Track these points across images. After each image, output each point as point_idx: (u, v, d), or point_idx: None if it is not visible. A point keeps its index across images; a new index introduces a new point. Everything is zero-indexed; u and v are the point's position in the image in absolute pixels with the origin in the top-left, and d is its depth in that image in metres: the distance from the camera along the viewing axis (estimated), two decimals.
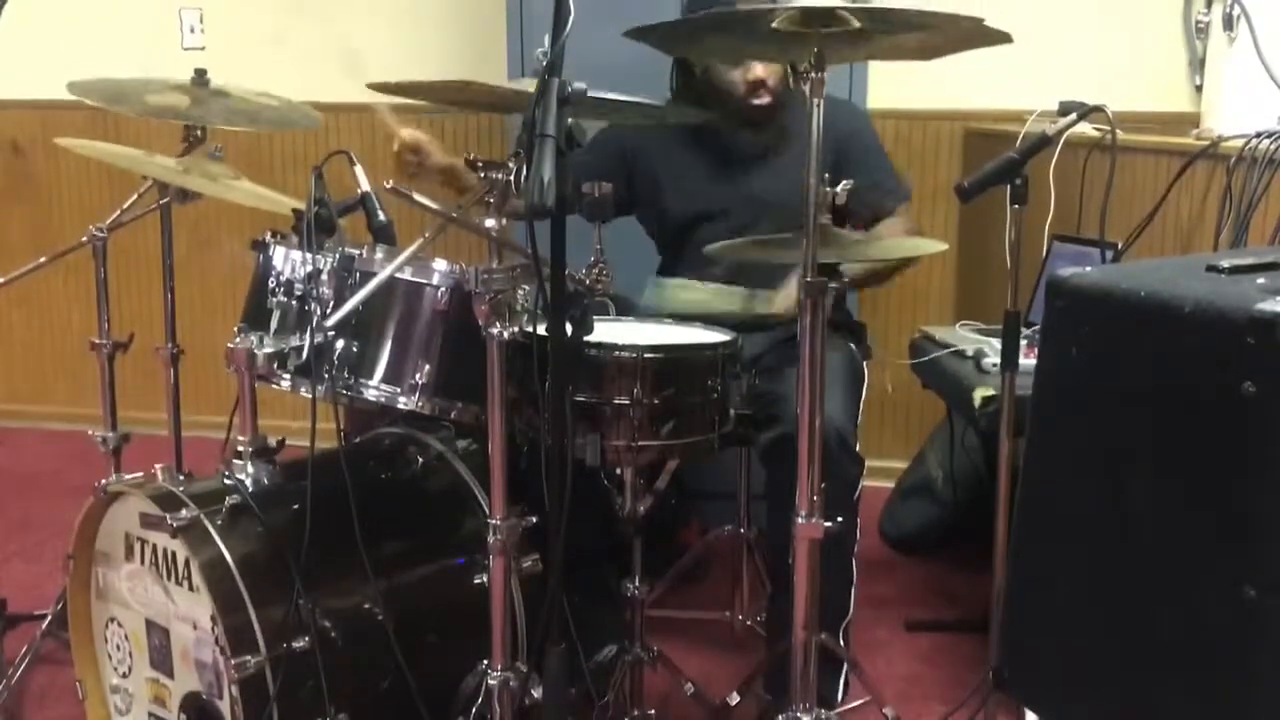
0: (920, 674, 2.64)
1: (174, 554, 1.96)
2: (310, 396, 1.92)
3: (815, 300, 1.76)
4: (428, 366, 2.01)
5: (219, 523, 1.92)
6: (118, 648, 2.14)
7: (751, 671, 2.35)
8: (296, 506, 2.00)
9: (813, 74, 1.71)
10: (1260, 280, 1.38)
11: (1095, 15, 3.51)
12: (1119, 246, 2.41)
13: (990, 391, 2.34)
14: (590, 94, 1.59)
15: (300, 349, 1.95)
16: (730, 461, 2.62)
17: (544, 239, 1.59)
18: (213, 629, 1.89)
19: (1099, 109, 2.20)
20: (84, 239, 2.47)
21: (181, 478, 2.02)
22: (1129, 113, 2.33)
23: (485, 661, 1.89)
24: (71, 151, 2.83)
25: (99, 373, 2.55)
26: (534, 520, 1.86)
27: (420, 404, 2.01)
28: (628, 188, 2.58)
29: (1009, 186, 2.08)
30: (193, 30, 4.01)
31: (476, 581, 1.97)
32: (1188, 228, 2.39)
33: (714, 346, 2.05)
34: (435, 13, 3.90)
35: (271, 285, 2.08)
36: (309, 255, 1.99)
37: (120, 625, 2.12)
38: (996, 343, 2.24)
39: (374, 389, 2.01)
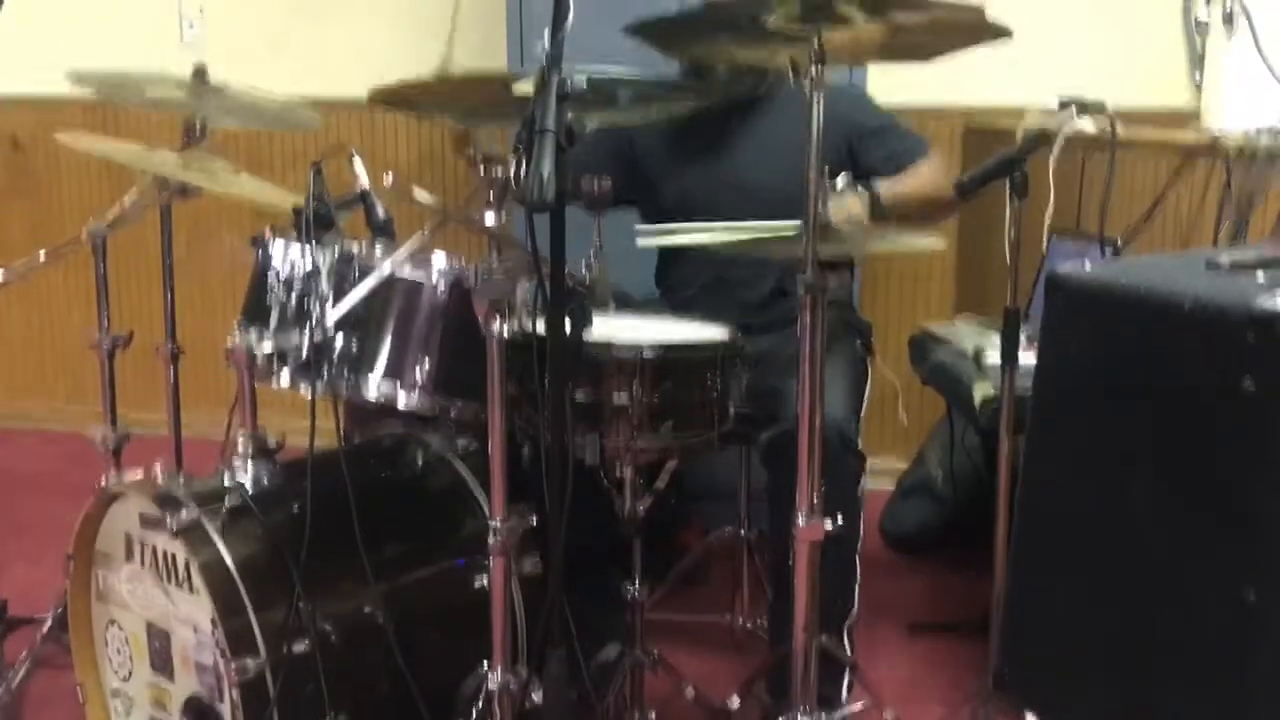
0: (920, 676, 2.63)
1: (174, 555, 1.95)
2: (310, 395, 1.92)
3: (815, 298, 1.76)
4: (427, 362, 2.00)
5: (219, 524, 1.91)
6: (118, 651, 2.14)
7: (752, 674, 2.34)
8: (296, 507, 2.00)
9: (813, 69, 1.70)
10: (1260, 276, 1.38)
11: (1095, 12, 3.50)
12: (1119, 242, 2.41)
13: (990, 391, 2.33)
14: (594, 74, 1.58)
15: (300, 347, 1.95)
16: (730, 462, 2.62)
17: (544, 237, 1.59)
18: (213, 632, 1.89)
19: (1099, 105, 2.20)
20: (83, 235, 2.46)
21: (181, 478, 2.02)
22: (1128, 109, 2.32)
23: (485, 664, 1.88)
24: (71, 148, 2.82)
25: (99, 370, 2.54)
26: (534, 521, 1.85)
27: (420, 401, 2.01)
28: (627, 176, 2.56)
29: (1009, 180, 2.08)
30: (192, 26, 4.01)
31: (477, 584, 1.97)
32: (1187, 223, 2.39)
33: (713, 345, 2.04)
34: (435, 13, 3.88)
35: (271, 281, 2.07)
36: (307, 246, 1.98)
37: (121, 628, 2.12)
38: (996, 338, 2.24)
39: (373, 386, 2.01)
